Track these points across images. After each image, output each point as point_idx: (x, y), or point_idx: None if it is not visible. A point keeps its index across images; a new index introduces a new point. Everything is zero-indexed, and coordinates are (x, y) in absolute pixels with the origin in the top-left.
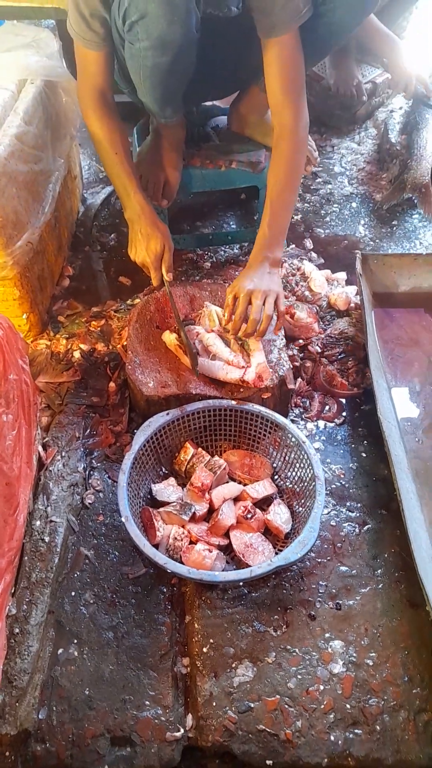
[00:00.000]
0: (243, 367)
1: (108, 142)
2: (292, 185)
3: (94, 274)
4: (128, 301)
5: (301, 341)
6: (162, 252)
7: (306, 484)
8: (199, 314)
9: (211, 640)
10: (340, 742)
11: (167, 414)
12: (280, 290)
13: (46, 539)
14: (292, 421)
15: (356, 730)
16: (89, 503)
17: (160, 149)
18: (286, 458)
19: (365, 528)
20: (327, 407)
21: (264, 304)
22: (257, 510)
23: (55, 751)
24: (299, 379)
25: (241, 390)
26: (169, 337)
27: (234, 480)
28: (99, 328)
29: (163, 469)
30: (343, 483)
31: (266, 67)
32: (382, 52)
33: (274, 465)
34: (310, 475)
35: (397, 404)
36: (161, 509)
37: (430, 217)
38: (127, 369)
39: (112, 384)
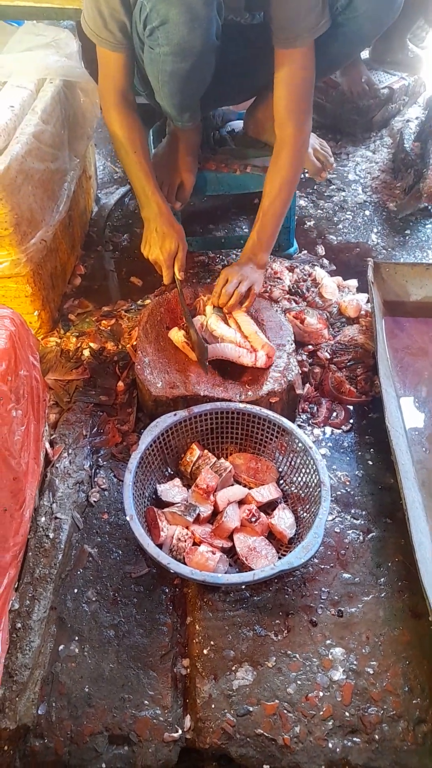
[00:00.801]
0: (250, 351)
1: (128, 142)
2: (285, 197)
3: (105, 274)
4: (139, 302)
5: (310, 347)
6: (176, 251)
7: (311, 489)
8: (198, 302)
9: (212, 642)
10: (338, 749)
11: (175, 415)
12: (257, 279)
13: (51, 535)
14: (299, 426)
15: (355, 738)
16: (94, 501)
17: (176, 152)
18: (292, 463)
19: (369, 536)
20: (334, 414)
21: (239, 285)
22: (261, 514)
23: (54, 748)
24: (307, 385)
25: (249, 393)
26: (177, 335)
27: (239, 483)
28: (109, 328)
29: (169, 470)
30: (349, 490)
31: (276, 77)
32: None
33: (280, 469)
34: (315, 481)
35: (405, 413)
36: (166, 510)
37: None
38: (136, 369)
39: (120, 383)
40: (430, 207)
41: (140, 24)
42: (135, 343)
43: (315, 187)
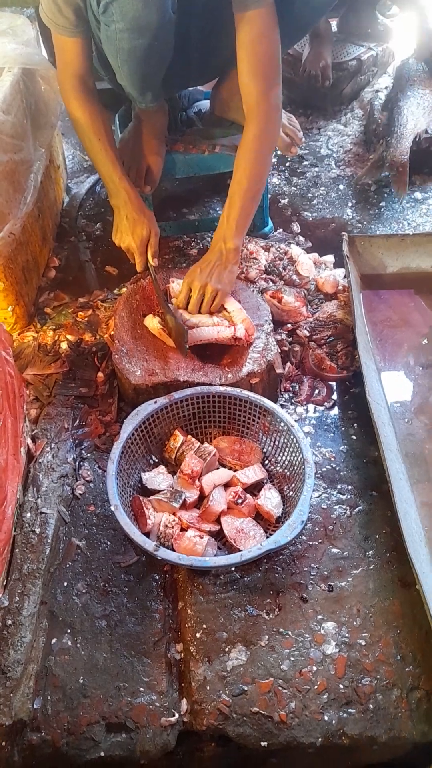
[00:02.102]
0: (229, 326)
1: (91, 129)
2: (254, 172)
3: (80, 265)
4: (115, 291)
5: (289, 325)
6: (148, 237)
7: (296, 468)
8: (166, 288)
9: (204, 626)
10: (334, 721)
11: (155, 402)
12: (224, 281)
13: (37, 531)
14: (282, 405)
15: (350, 710)
16: (80, 494)
17: (142, 135)
18: (276, 443)
19: (356, 510)
20: (317, 391)
21: (203, 294)
22: (248, 495)
23: (51, 740)
24: (288, 364)
25: (229, 376)
26: (152, 322)
27: (224, 466)
28: (86, 319)
29: (153, 458)
30: (334, 466)
31: (237, 45)
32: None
33: (264, 450)
34: (300, 459)
35: (386, 386)
36: (152, 497)
37: (399, 196)
38: (114, 358)
39: (100, 374)
40: (390, 176)
41: (94, 1)
42: (112, 332)
43: (287, 164)
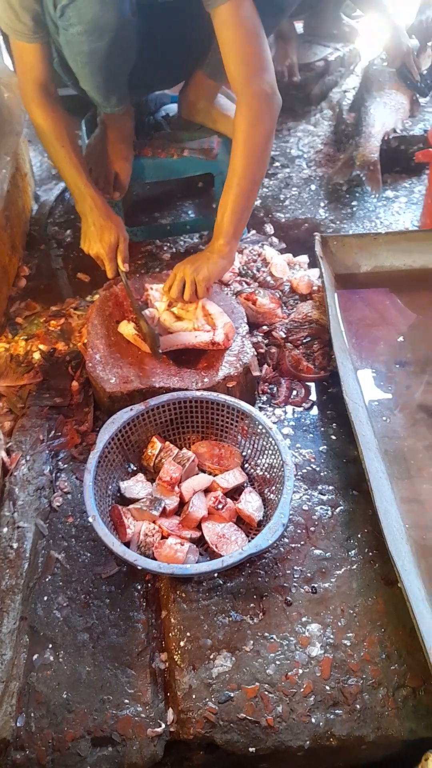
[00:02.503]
0: (209, 330)
1: (54, 136)
2: (246, 164)
3: (51, 273)
4: (88, 298)
5: (265, 327)
6: (116, 243)
7: (276, 470)
8: (146, 297)
9: (188, 633)
10: (321, 723)
11: (131, 410)
12: (212, 270)
13: (15, 545)
14: (260, 408)
15: (337, 711)
16: (57, 506)
17: (109, 141)
18: (256, 446)
19: (338, 510)
20: (294, 392)
21: (188, 280)
22: (228, 500)
23: (36, 758)
24: (265, 366)
25: (206, 380)
26: (126, 328)
27: (204, 471)
28: (59, 327)
29: (132, 466)
30: (314, 467)
31: (218, 40)
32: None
33: (244, 453)
34: (279, 462)
35: (363, 384)
36: (131, 506)
37: (376, 194)
38: (88, 367)
39: (75, 383)
40: (362, 175)
41: (50, 4)
42: (86, 340)
43: (267, 163)
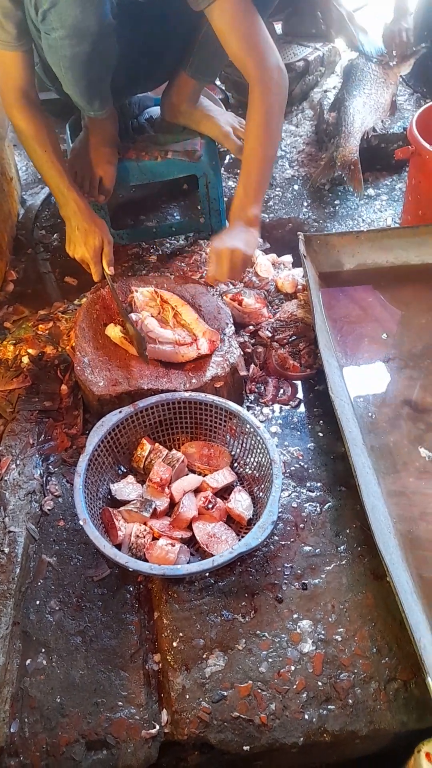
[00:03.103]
0: (191, 342)
1: (36, 140)
2: (266, 138)
3: (39, 277)
4: (75, 302)
5: (251, 327)
6: (101, 246)
7: (265, 469)
8: (131, 299)
9: (181, 634)
10: (314, 719)
11: (120, 412)
12: (249, 242)
13: (6, 550)
14: (248, 407)
15: (329, 706)
16: (48, 509)
17: (93, 144)
18: (244, 445)
19: (326, 506)
20: (282, 391)
21: (232, 259)
22: (218, 500)
23: (30, 763)
24: (252, 366)
25: (193, 381)
26: (113, 331)
27: (194, 472)
28: (47, 331)
29: (122, 468)
30: (302, 464)
31: (218, 33)
32: None
33: (233, 453)
34: (267, 460)
35: (349, 381)
36: (122, 508)
37: (358, 193)
38: (76, 370)
39: (63, 387)
40: (343, 175)
41: (32, 9)
42: (74, 344)
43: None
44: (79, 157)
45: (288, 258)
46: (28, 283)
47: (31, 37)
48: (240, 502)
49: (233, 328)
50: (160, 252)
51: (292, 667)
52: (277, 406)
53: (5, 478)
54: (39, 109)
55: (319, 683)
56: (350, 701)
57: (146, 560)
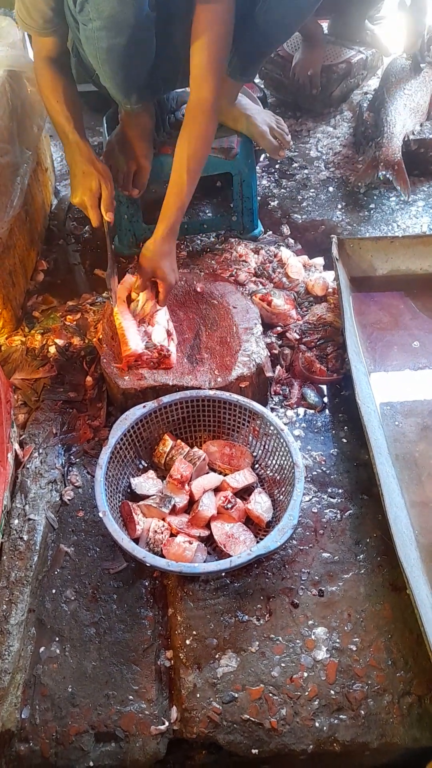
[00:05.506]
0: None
1: (52, 93)
2: (193, 167)
3: (69, 268)
4: (104, 294)
5: (279, 328)
6: (98, 189)
7: (287, 472)
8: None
9: (194, 632)
10: (325, 728)
11: (144, 407)
12: (162, 276)
13: (25, 537)
14: (272, 409)
15: (341, 716)
16: (68, 500)
17: (129, 138)
18: (266, 447)
19: (347, 513)
20: (311, 392)
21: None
22: (238, 500)
23: (39, 750)
24: (278, 367)
25: (219, 379)
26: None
27: (214, 470)
28: (75, 322)
29: (143, 462)
30: (325, 469)
31: (194, 34)
32: None
33: (255, 454)
34: (290, 463)
35: (376, 388)
36: (141, 503)
37: (407, 193)
38: (103, 362)
39: (89, 378)
40: (389, 175)
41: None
42: (101, 336)
43: (277, 166)
44: (114, 150)
45: (319, 260)
46: (58, 274)
47: (61, 25)
48: (260, 504)
49: (261, 328)
50: (191, 248)
51: (305, 674)
52: (301, 410)
53: (27, 466)
54: (65, 73)
55: (332, 692)
56: (362, 712)
57: (163, 556)
